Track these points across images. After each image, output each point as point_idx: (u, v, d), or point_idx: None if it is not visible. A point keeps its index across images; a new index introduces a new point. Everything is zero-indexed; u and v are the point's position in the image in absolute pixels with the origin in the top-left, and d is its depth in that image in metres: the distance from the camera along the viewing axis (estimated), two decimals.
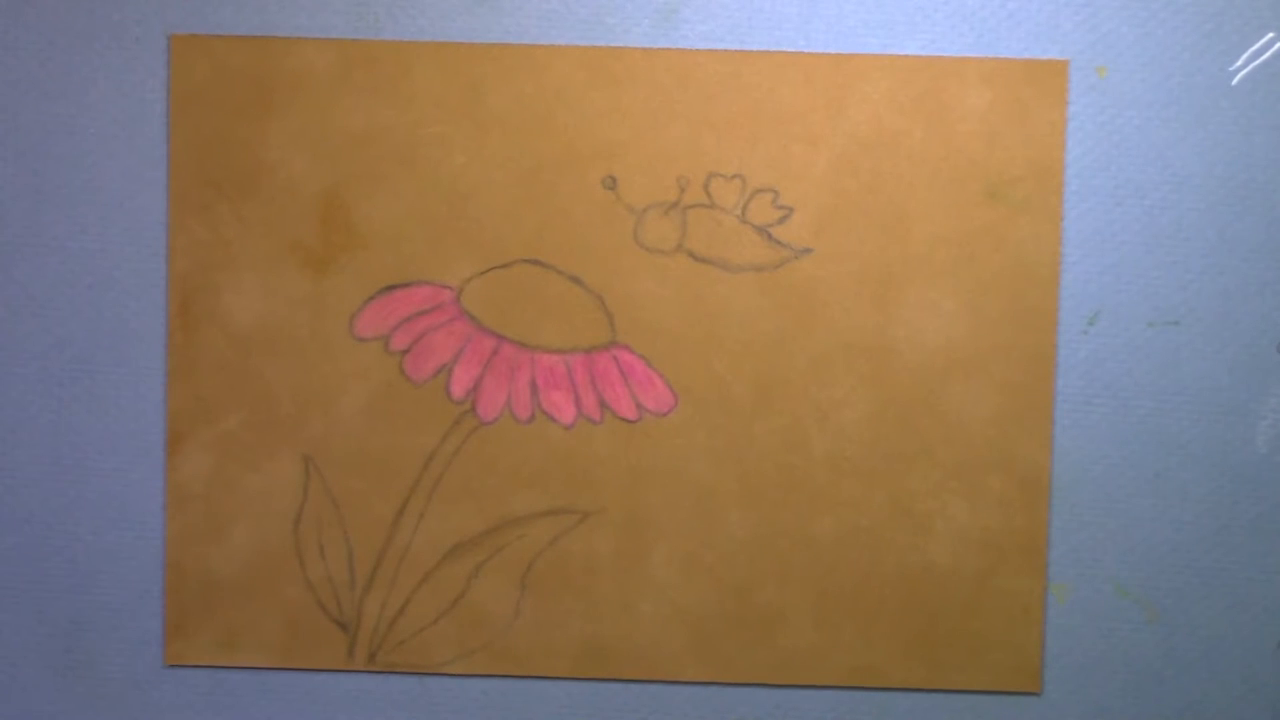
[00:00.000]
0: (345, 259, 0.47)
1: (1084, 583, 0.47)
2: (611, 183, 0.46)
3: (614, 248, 0.47)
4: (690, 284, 0.47)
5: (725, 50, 0.46)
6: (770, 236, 0.46)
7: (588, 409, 0.47)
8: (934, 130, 0.46)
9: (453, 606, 0.48)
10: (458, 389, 0.47)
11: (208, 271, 0.47)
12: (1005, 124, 0.46)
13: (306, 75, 0.47)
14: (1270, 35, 0.45)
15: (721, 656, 0.48)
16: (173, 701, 0.48)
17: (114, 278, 0.48)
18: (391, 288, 0.47)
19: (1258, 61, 0.46)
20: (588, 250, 0.47)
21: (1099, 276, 0.46)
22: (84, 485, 0.48)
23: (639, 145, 0.46)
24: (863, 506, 0.47)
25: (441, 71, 0.46)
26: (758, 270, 0.46)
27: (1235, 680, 0.47)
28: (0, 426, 0.48)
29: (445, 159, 0.47)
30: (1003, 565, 0.47)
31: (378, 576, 0.48)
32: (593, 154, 0.46)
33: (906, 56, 0.46)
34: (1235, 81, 0.46)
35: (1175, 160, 0.46)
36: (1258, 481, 0.47)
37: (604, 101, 0.46)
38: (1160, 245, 0.46)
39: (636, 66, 0.46)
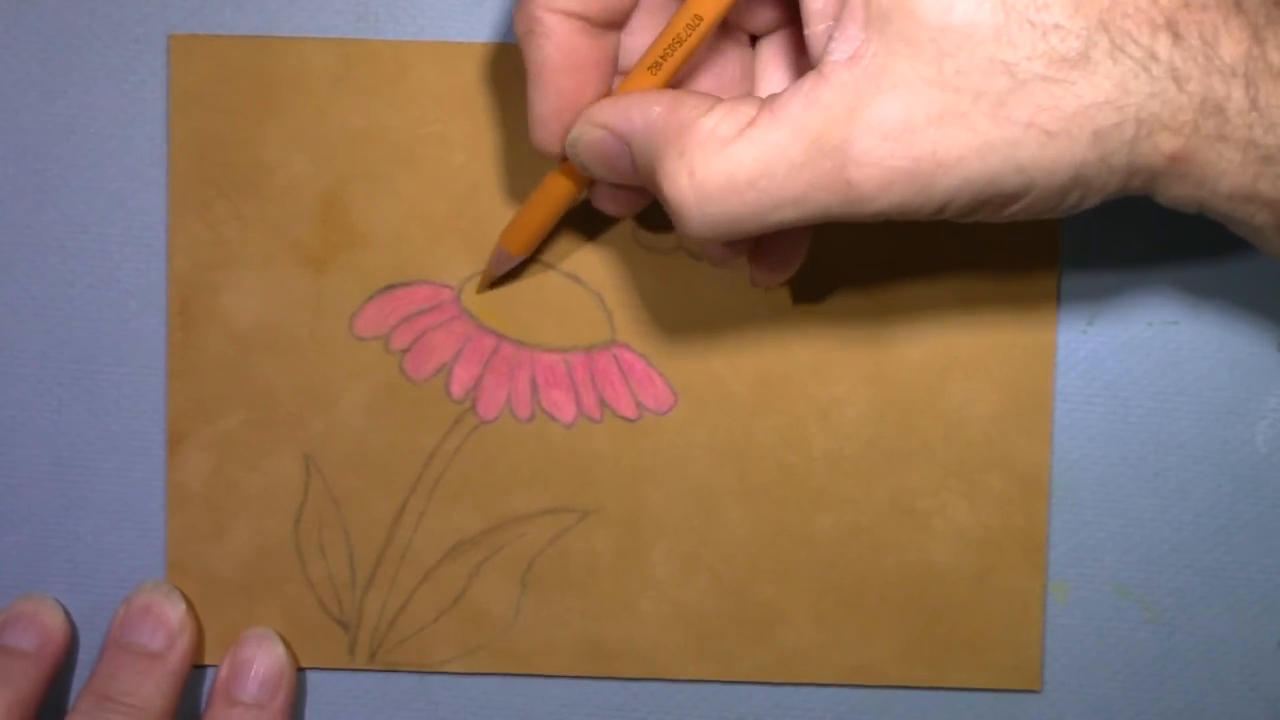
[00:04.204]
0: (345, 258, 0.47)
1: (1084, 582, 0.47)
2: None
3: (613, 246, 0.47)
4: (689, 282, 0.47)
5: None
6: None
7: (588, 408, 0.47)
8: None
9: (453, 605, 0.48)
10: (458, 388, 0.47)
11: (207, 271, 0.47)
12: None
13: (306, 75, 0.47)
14: None
15: (721, 654, 0.48)
16: None
17: (114, 277, 0.48)
18: (391, 287, 0.47)
19: None
20: (587, 249, 0.47)
21: (1099, 276, 0.46)
22: (84, 485, 0.48)
23: None
24: (862, 505, 0.47)
25: (441, 71, 0.46)
26: None
27: (1235, 680, 0.47)
28: (0, 426, 0.48)
29: (444, 158, 0.47)
30: (1003, 563, 0.47)
31: (378, 575, 0.48)
32: None
33: None
34: None
35: None
36: (1258, 481, 0.47)
37: None
38: (1160, 245, 0.46)
39: None
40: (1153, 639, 0.47)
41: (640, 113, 0.38)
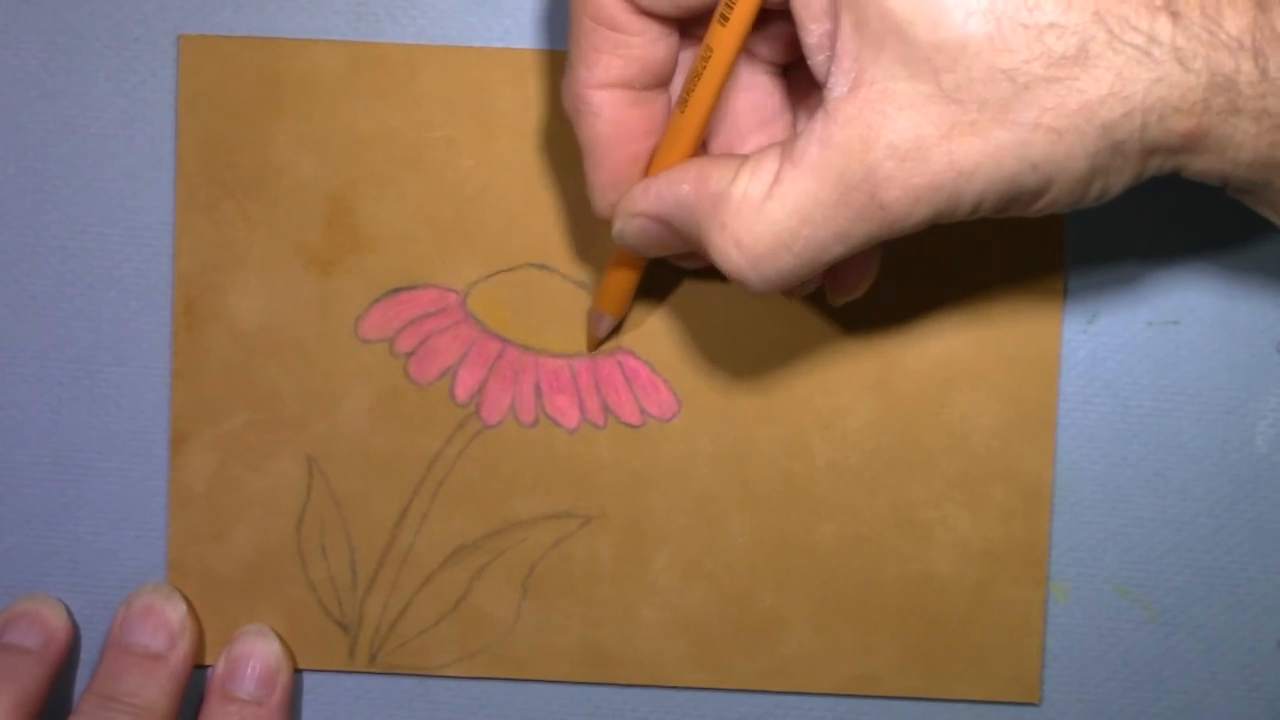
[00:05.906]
0: (351, 261, 0.47)
1: (1084, 582, 0.48)
2: None
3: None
4: (694, 290, 0.47)
5: None
6: None
7: (591, 413, 0.47)
8: None
9: (454, 609, 0.47)
10: (462, 392, 0.47)
11: (213, 271, 0.47)
12: None
13: (315, 77, 0.47)
14: None
15: (722, 662, 0.48)
16: None
17: (114, 277, 0.47)
18: (397, 290, 0.47)
19: None
20: (593, 255, 0.47)
21: (1100, 276, 0.47)
22: (84, 485, 0.48)
23: None
24: (864, 515, 0.47)
25: (449, 74, 0.47)
26: None
27: (1235, 680, 0.48)
28: (0, 426, 0.48)
29: (452, 162, 0.47)
30: (1004, 575, 0.47)
31: (379, 578, 0.47)
32: None
33: None
34: None
35: None
36: (1258, 481, 0.47)
37: None
38: (1160, 245, 0.47)
39: None
40: (1152, 639, 0.48)
41: (670, 193, 0.39)
